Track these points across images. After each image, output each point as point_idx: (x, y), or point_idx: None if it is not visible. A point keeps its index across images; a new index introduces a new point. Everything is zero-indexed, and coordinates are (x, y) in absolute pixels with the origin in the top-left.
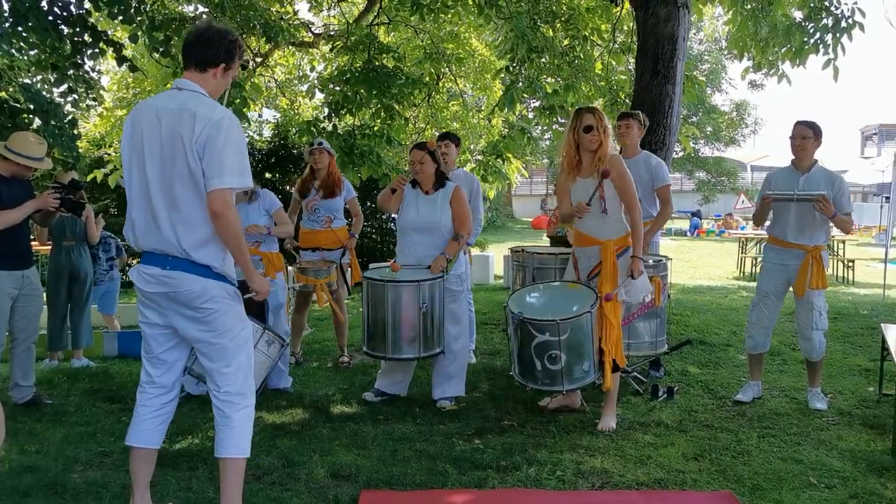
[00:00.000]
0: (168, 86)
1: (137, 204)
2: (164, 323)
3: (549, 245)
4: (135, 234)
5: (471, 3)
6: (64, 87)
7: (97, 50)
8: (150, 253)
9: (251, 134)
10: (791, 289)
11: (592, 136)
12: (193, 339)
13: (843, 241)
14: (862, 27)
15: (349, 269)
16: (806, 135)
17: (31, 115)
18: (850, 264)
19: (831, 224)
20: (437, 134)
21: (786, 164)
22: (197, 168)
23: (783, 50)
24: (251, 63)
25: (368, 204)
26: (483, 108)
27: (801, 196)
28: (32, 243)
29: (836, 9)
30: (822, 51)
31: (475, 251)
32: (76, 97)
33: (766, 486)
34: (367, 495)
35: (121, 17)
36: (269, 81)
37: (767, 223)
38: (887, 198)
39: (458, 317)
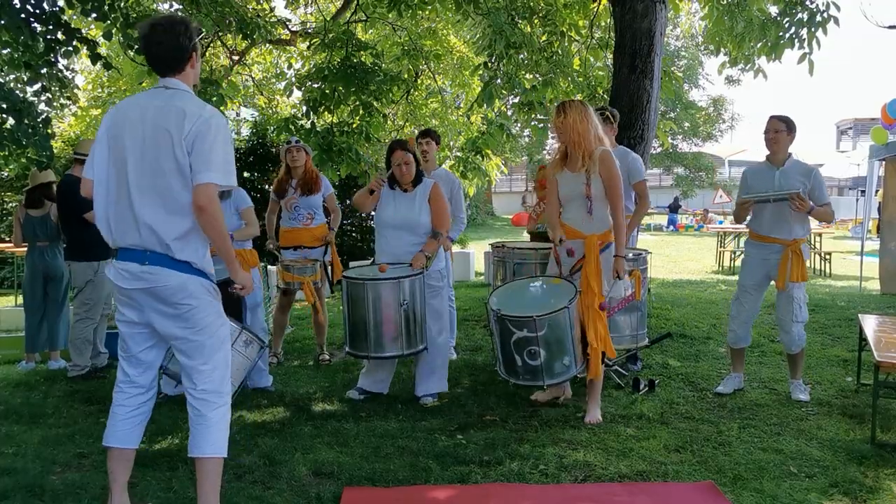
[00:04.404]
0: (145, 84)
1: (114, 200)
2: (141, 321)
3: (529, 241)
4: (111, 230)
5: None
6: (37, 86)
7: (71, 48)
8: (127, 249)
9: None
10: (773, 282)
11: (554, 129)
12: (171, 336)
13: (820, 234)
14: (837, 21)
15: (331, 266)
16: (779, 129)
17: (3, 115)
18: (827, 257)
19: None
20: (417, 131)
21: (762, 159)
22: (184, 162)
23: (759, 45)
24: (229, 61)
25: (347, 202)
26: (462, 104)
27: (777, 196)
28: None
29: (811, 3)
30: (797, 45)
31: (456, 248)
32: (50, 96)
33: (748, 476)
34: (350, 492)
35: (94, 15)
36: (247, 80)
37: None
38: (863, 191)
39: (440, 312)
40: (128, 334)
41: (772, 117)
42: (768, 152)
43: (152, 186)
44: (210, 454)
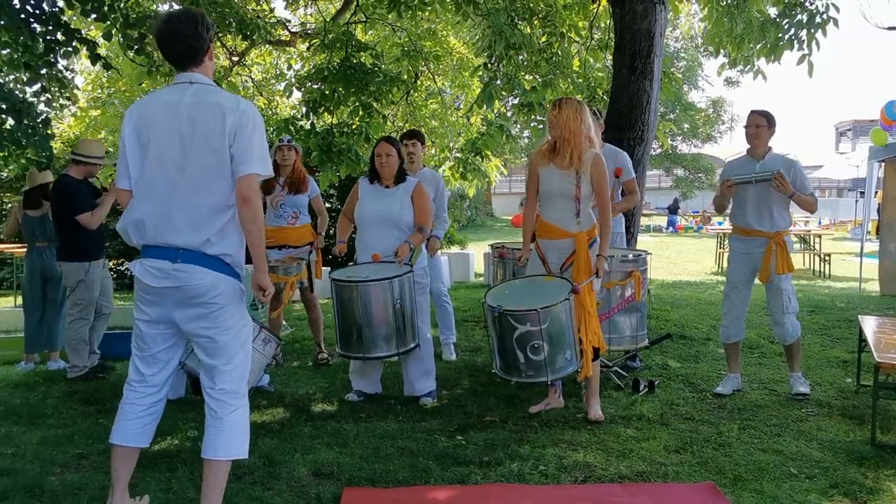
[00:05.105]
0: (144, 85)
1: (149, 200)
2: (164, 320)
3: None
4: (142, 230)
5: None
6: (37, 87)
7: (71, 48)
8: (157, 247)
9: None
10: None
11: (548, 122)
12: (195, 334)
13: (820, 236)
14: (836, 22)
15: (314, 265)
16: (760, 123)
17: (3, 115)
18: (827, 258)
19: (792, 212)
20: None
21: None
22: (225, 157)
23: (758, 46)
24: (228, 62)
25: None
26: (461, 105)
27: (759, 177)
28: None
29: (811, 4)
30: (796, 46)
31: (455, 249)
32: (49, 96)
33: (748, 476)
34: (350, 493)
35: (94, 15)
36: (246, 81)
37: (728, 211)
38: (862, 193)
39: (425, 309)
40: (148, 334)
41: (752, 112)
42: (749, 146)
43: (194, 183)
44: (221, 457)
